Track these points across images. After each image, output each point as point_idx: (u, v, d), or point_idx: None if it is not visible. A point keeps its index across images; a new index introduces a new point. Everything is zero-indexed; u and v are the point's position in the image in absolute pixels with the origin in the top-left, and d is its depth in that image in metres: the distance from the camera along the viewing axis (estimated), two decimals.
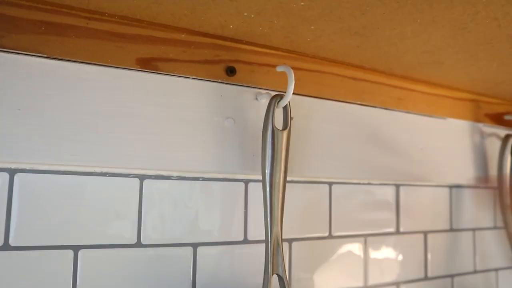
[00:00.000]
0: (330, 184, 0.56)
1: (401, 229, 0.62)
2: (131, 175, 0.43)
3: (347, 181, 0.57)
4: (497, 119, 0.76)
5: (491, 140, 0.73)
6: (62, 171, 0.40)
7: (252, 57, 0.50)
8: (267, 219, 0.44)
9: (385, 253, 0.60)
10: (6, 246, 0.38)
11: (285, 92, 0.45)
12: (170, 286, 0.44)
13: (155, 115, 0.44)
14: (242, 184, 0.49)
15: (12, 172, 0.38)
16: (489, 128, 0.74)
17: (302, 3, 0.39)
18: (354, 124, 0.58)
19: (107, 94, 0.42)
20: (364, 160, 0.58)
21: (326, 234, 0.55)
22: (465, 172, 0.70)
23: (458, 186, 0.70)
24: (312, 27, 0.44)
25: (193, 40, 0.47)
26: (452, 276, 0.68)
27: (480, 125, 0.73)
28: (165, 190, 0.45)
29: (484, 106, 0.74)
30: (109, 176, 0.42)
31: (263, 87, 0.51)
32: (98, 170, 0.42)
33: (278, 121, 0.46)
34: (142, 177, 0.44)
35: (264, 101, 0.49)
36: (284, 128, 0.46)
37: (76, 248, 0.40)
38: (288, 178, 0.50)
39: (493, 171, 0.73)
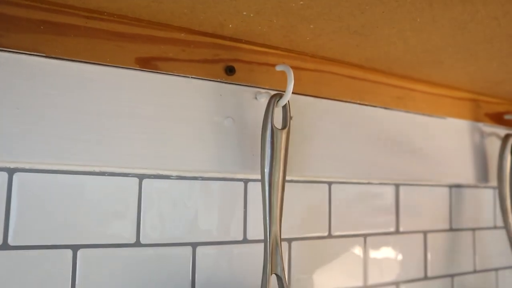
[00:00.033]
0: (330, 183, 0.56)
1: (401, 229, 0.62)
2: (130, 175, 0.43)
3: (347, 181, 0.57)
4: (497, 119, 0.76)
5: (491, 140, 0.73)
6: (61, 170, 0.40)
7: (252, 56, 0.50)
8: (266, 219, 0.44)
9: (384, 252, 0.60)
10: (5, 246, 0.38)
11: (284, 92, 0.45)
12: (169, 286, 0.44)
13: (154, 114, 0.44)
14: (242, 184, 0.49)
15: (11, 172, 0.38)
16: (489, 128, 0.74)
17: (301, 2, 0.39)
18: (353, 124, 0.58)
19: (106, 94, 0.42)
20: (364, 160, 0.58)
21: (326, 233, 0.55)
22: (465, 172, 0.70)
23: (458, 186, 0.70)
24: (311, 26, 0.44)
25: (192, 39, 0.47)
26: (452, 276, 0.68)
27: (480, 124, 0.73)
28: (164, 190, 0.45)
29: (484, 105, 0.74)
30: (108, 175, 0.42)
31: (263, 86, 0.51)
32: (97, 169, 0.42)
33: (278, 121, 0.46)
34: (141, 177, 0.44)
35: (264, 100, 0.49)
36: (284, 127, 0.46)
37: (75, 248, 0.40)
38: (288, 178, 0.50)
39: (493, 170, 0.73)
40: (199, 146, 0.46)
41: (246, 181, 0.49)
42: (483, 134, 0.73)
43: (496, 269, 0.74)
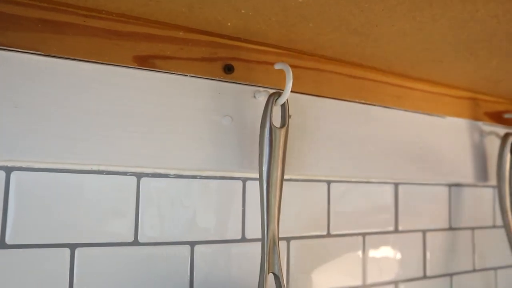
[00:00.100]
0: (329, 182, 0.56)
1: (400, 228, 0.62)
2: (128, 173, 0.43)
3: (346, 180, 0.57)
4: (497, 118, 0.76)
5: (490, 139, 0.73)
6: (59, 169, 0.40)
7: (250, 55, 0.50)
8: (263, 217, 0.44)
9: (383, 251, 0.60)
10: (3, 244, 0.37)
11: (283, 90, 0.45)
12: (168, 285, 0.44)
13: (152, 113, 0.44)
14: (240, 182, 0.49)
15: (8, 170, 0.38)
16: (488, 127, 0.74)
17: (300, 0, 0.38)
18: (352, 122, 0.57)
19: (104, 92, 0.42)
20: (363, 159, 0.58)
21: (325, 232, 0.55)
22: (464, 171, 0.70)
23: (457, 185, 0.70)
24: (310, 25, 0.44)
25: (190, 38, 0.47)
26: (451, 275, 0.68)
27: (480, 123, 0.73)
28: (162, 188, 0.45)
29: (484, 104, 0.74)
30: (106, 174, 0.42)
31: (261, 85, 0.50)
32: (95, 168, 0.42)
33: (276, 119, 0.46)
34: (139, 175, 0.44)
35: (262, 99, 0.49)
36: (282, 126, 0.46)
37: (73, 247, 0.40)
38: (287, 177, 0.50)
39: (492, 169, 0.72)
40: (197, 145, 0.46)
41: (244, 180, 0.49)
42: (482, 133, 0.73)
43: (495, 268, 0.74)
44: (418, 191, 0.65)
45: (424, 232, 0.65)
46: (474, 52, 0.52)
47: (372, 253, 0.59)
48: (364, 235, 0.59)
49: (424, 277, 0.65)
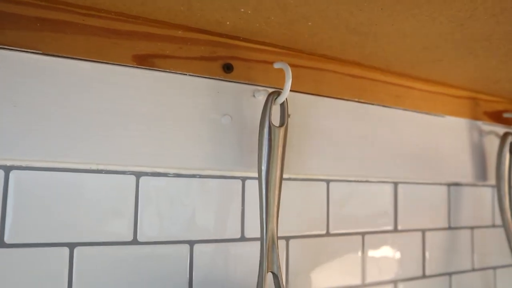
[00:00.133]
0: (328, 181, 0.56)
1: (399, 227, 0.62)
2: (127, 172, 0.43)
3: (345, 179, 0.57)
4: (496, 117, 0.76)
5: (489, 138, 0.73)
6: (58, 168, 0.40)
7: (249, 54, 0.50)
8: (262, 216, 0.44)
9: (383, 251, 0.60)
10: (1, 244, 0.37)
11: (282, 89, 0.45)
12: (167, 284, 0.44)
13: (151, 111, 0.44)
14: (239, 182, 0.49)
15: (7, 169, 0.38)
16: (487, 126, 0.74)
17: None
18: (351, 122, 0.57)
19: (103, 91, 0.42)
20: (362, 158, 0.58)
21: (324, 231, 0.55)
22: (464, 170, 0.70)
23: (457, 184, 0.70)
24: (309, 24, 0.44)
25: (189, 37, 0.47)
26: (450, 274, 0.68)
27: (479, 123, 0.73)
28: (161, 188, 0.45)
29: (483, 104, 0.74)
30: (105, 173, 0.42)
31: (260, 84, 0.50)
32: (94, 167, 0.42)
33: (275, 118, 0.46)
34: (138, 174, 0.44)
35: (261, 98, 0.49)
36: (281, 125, 0.46)
37: (72, 246, 0.40)
38: (286, 176, 0.50)
39: (491, 169, 0.72)
40: (196, 144, 0.46)
41: (243, 179, 0.49)
42: (481, 132, 0.73)
43: (495, 268, 0.74)
44: (418, 190, 0.65)
45: (423, 231, 0.65)
46: (473, 51, 0.52)
47: (371, 252, 0.59)
48: (363, 234, 0.59)
49: (423, 276, 0.65)
